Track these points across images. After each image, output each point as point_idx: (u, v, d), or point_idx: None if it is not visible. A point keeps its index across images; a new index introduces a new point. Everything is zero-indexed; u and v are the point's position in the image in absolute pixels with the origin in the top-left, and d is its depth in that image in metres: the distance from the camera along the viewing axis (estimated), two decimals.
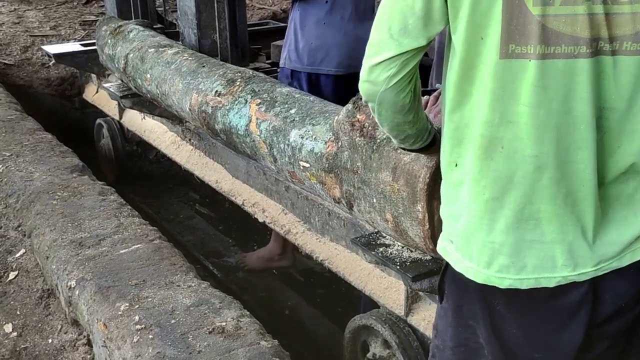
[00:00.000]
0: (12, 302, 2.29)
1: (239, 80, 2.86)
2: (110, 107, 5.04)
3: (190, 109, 3.05)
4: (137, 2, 4.36)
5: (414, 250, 2.11)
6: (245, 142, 2.69)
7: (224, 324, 1.89)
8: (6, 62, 5.35)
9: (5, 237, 2.59)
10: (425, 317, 2.57)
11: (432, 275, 2.05)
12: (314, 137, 2.33)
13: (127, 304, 1.98)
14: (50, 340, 2.12)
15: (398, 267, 2.05)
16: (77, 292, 2.10)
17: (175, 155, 4.26)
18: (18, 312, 2.25)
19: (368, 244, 2.18)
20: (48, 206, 2.56)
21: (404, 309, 2.61)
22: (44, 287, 2.32)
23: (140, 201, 4.44)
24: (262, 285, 3.56)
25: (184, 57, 3.26)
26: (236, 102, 2.76)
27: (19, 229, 2.59)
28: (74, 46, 4.93)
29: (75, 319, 2.13)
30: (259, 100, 2.68)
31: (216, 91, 2.88)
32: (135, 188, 4.71)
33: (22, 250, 2.48)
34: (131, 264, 2.18)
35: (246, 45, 3.95)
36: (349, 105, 2.17)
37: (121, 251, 2.24)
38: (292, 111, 2.51)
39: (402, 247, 2.14)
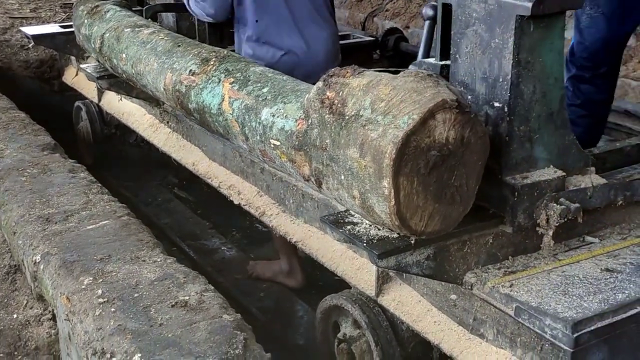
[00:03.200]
0: None
1: (214, 59, 2.84)
2: (89, 90, 5.02)
3: (164, 89, 3.03)
4: None
5: (381, 228, 2.10)
6: (218, 121, 2.68)
7: (187, 298, 1.89)
8: None
9: None
10: (396, 298, 2.57)
11: (399, 252, 2.05)
12: (284, 115, 2.32)
13: (91, 278, 1.97)
14: (15, 316, 2.11)
15: (364, 244, 2.04)
16: (42, 267, 2.09)
17: (153, 138, 4.25)
18: None
19: (336, 222, 2.17)
20: (17, 183, 2.54)
21: (374, 290, 2.62)
22: (11, 263, 2.30)
23: (118, 184, 4.42)
24: (236, 268, 3.56)
25: (160, 37, 3.24)
26: (210, 81, 2.74)
27: None
28: (52, 28, 4.90)
29: (40, 294, 2.12)
30: (232, 79, 2.66)
31: (190, 70, 2.87)
32: (113, 171, 4.69)
33: None
34: (97, 239, 2.17)
35: (224, 29, 3.93)
36: (320, 83, 2.16)
37: (88, 227, 2.23)
38: (265, 90, 2.50)
39: (370, 226, 2.13)
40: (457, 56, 2.23)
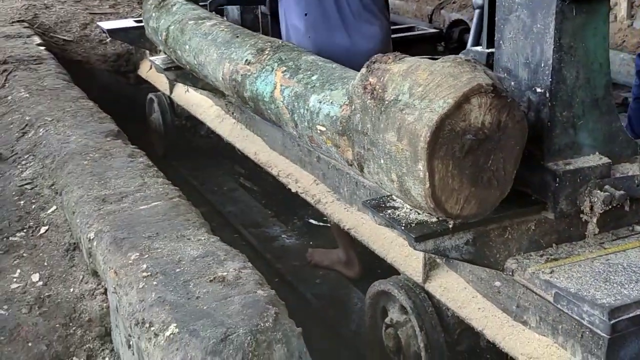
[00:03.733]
0: (40, 254, 2.41)
1: (268, 49, 2.92)
2: (161, 83, 5.18)
3: (222, 78, 3.12)
4: None
5: (421, 212, 2.13)
6: (270, 109, 2.75)
7: (225, 273, 1.96)
8: (65, 38, 5.54)
9: (40, 194, 2.72)
10: (442, 284, 2.59)
11: (436, 236, 2.07)
12: (330, 101, 2.37)
13: (138, 254, 2.07)
14: (72, 290, 2.24)
15: (402, 227, 2.07)
16: (95, 244, 2.21)
17: (219, 129, 4.36)
18: (45, 264, 2.37)
19: (377, 206, 2.21)
20: (79, 166, 2.68)
21: (421, 276, 2.64)
22: (71, 241, 2.43)
23: (186, 173, 4.56)
24: (295, 255, 3.62)
25: (220, 29, 3.33)
26: (263, 70, 2.82)
27: (52, 187, 2.72)
28: (127, 22, 5.08)
29: (94, 270, 2.24)
30: (284, 68, 2.73)
31: (246, 60, 2.95)
32: (183, 161, 4.83)
33: (54, 207, 2.61)
34: (148, 219, 2.27)
35: None
36: (363, 69, 2.20)
37: (140, 207, 2.34)
38: (314, 77, 2.55)
39: (410, 210, 2.16)
40: (501, 42, 2.24)
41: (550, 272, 2.12)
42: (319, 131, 2.41)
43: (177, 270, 2.03)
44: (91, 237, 2.23)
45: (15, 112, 3.38)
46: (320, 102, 2.42)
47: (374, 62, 2.18)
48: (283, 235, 3.85)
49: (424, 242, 2.07)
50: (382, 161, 2.06)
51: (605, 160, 2.19)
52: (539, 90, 2.13)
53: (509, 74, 2.22)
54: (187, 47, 3.48)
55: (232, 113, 4.26)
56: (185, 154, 4.94)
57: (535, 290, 2.13)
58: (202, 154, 4.99)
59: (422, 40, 4.53)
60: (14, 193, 2.72)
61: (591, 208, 2.17)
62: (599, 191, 2.15)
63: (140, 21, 4.96)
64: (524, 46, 2.15)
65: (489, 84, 1.89)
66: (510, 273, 2.20)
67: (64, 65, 4.94)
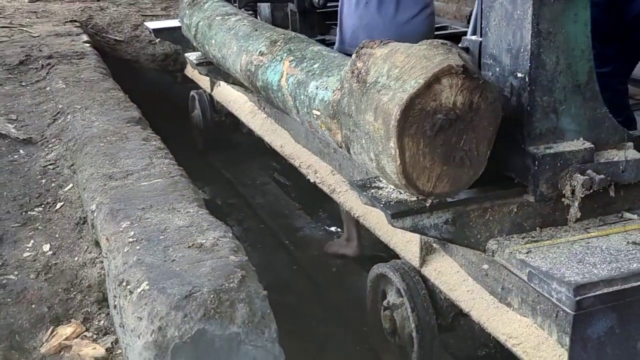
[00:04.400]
0: (53, 227, 2.59)
1: (281, 41, 3.03)
2: (204, 81, 5.36)
3: (240, 69, 3.25)
4: None
5: (402, 192, 2.21)
6: (278, 97, 2.86)
7: (204, 241, 2.08)
8: (117, 38, 5.79)
9: (60, 174, 2.90)
10: (437, 268, 2.65)
11: (413, 214, 2.14)
12: (325, 87, 2.47)
13: (129, 223, 2.22)
14: (76, 258, 2.40)
15: (382, 205, 2.15)
16: (95, 214, 2.36)
17: (252, 123, 4.50)
18: (57, 235, 2.54)
19: (363, 185, 2.30)
20: (95, 147, 2.85)
21: (418, 260, 2.71)
22: (81, 215, 2.59)
23: (221, 167, 4.71)
24: (316, 245, 3.72)
25: (243, 23, 3.46)
26: (274, 60, 2.93)
27: (71, 167, 2.89)
28: (172, 22, 5.26)
29: (96, 240, 2.39)
30: (291, 58, 2.84)
31: (260, 51, 3.07)
32: (221, 155, 4.99)
33: (70, 185, 2.78)
34: (146, 193, 2.42)
35: (315, 19, 4.11)
36: (353, 55, 2.29)
37: (142, 183, 2.49)
38: (315, 66, 2.65)
39: (393, 190, 2.24)
40: (487, 30, 2.30)
41: (527, 252, 2.17)
42: (314, 115, 2.51)
43: (161, 237, 2.15)
44: (93, 209, 2.39)
45: (50, 101, 3.59)
46: (317, 88, 2.52)
47: (362, 48, 2.27)
48: (306, 227, 3.95)
49: (401, 219, 2.14)
50: (363, 141, 2.15)
51: (588, 145, 2.22)
52: (519, 75, 2.18)
53: (494, 60, 2.28)
54: (213, 41, 3.62)
55: (264, 108, 4.39)
56: (224, 149, 5.09)
57: (512, 270, 2.18)
58: (239, 150, 5.13)
59: (454, 39, 4.56)
60: (37, 172, 2.91)
61: (572, 192, 2.20)
62: (579, 175, 2.18)
63: None
64: (506, 33, 2.21)
65: (459, 65, 1.95)
66: (491, 254, 2.25)
67: (114, 63, 5.17)
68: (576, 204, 2.22)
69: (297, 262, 3.59)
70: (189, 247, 2.07)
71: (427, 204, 2.14)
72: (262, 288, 1.97)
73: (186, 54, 4.37)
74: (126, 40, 5.74)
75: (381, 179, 2.32)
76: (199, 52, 4.33)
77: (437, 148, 2.00)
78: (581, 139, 2.25)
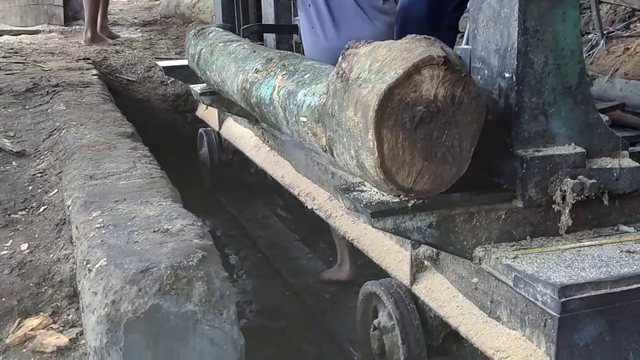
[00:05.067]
0: (34, 228, 2.57)
1: (276, 58, 3.01)
2: (213, 120, 5.38)
3: (237, 89, 3.23)
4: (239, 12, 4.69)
5: (385, 194, 2.13)
6: (270, 111, 2.82)
7: (171, 227, 2.04)
8: (129, 78, 5.84)
9: (47, 181, 2.91)
10: (427, 285, 2.56)
11: (394, 214, 2.06)
12: (313, 93, 2.43)
13: (100, 212, 2.20)
14: (51, 255, 2.36)
15: (362, 205, 2.07)
16: (70, 208, 2.34)
17: (256, 157, 4.48)
18: (36, 236, 2.53)
19: (347, 189, 2.22)
20: (83, 154, 2.84)
21: (409, 278, 2.61)
22: (62, 217, 2.57)
23: (226, 202, 4.69)
24: (311, 273, 3.66)
25: (243, 47, 3.46)
26: (267, 76, 2.91)
27: (58, 174, 2.88)
28: (182, 61, 5.32)
29: (71, 236, 2.36)
30: (284, 72, 2.81)
31: (255, 69, 3.05)
32: (227, 192, 4.97)
33: (55, 190, 2.77)
34: (122, 190, 2.41)
35: None
36: (340, 57, 2.25)
37: (120, 182, 2.46)
38: (306, 76, 2.62)
39: (376, 192, 2.16)
40: (476, 32, 2.25)
41: (514, 258, 2.07)
42: (302, 122, 2.46)
43: (129, 223, 2.13)
44: (69, 204, 2.37)
45: (49, 120, 3.61)
46: (305, 95, 2.48)
47: (348, 49, 2.23)
48: (303, 257, 3.90)
49: (382, 220, 2.06)
50: (344, 140, 2.09)
51: (580, 149, 2.14)
52: (507, 75, 2.12)
53: (483, 63, 2.23)
54: (214, 66, 3.62)
55: (267, 141, 4.36)
56: (230, 187, 5.08)
57: (498, 277, 2.08)
58: (246, 188, 5.12)
59: None
60: (26, 180, 2.93)
61: (563, 198, 2.12)
62: (569, 179, 2.09)
63: None
64: (494, 33, 2.16)
65: (440, 55, 1.90)
66: (478, 261, 2.15)
67: (125, 102, 5.20)
68: (567, 210, 2.12)
69: (291, 288, 3.55)
70: (154, 231, 2.05)
71: (410, 205, 2.05)
72: (224, 270, 1.92)
73: (191, 86, 4.37)
74: (138, 81, 5.80)
75: (365, 184, 2.25)
76: (203, 84, 4.35)
77: (418, 142, 1.93)
78: (572, 144, 2.17)
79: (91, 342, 1.71)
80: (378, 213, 2.04)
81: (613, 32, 4.73)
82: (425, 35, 2.04)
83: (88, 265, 1.83)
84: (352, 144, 2.03)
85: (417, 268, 2.58)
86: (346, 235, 3.17)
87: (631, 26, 5.76)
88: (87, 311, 1.76)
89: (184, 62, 5.34)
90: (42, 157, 3.10)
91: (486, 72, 2.21)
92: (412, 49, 1.95)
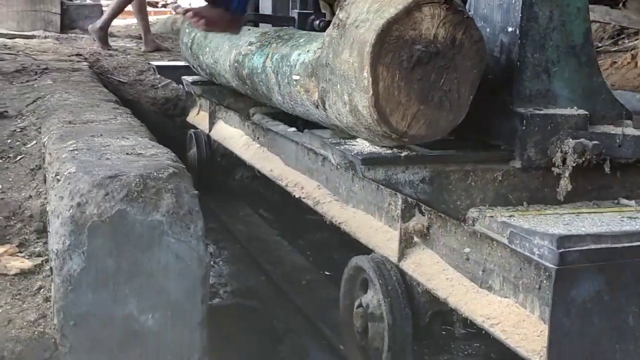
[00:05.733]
0: (9, 174, 2.51)
1: (271, 31, 2.95)
2: (204, 124, 5.30)
3: (229, 65, 3.15)
4: None
5: (378, 147, 2.04)
6: (262, 80, 2.74)
7: (144, 152, 1.98)
8: (121, 79, 5.76)
9: (27, 135, 2.85)
10: (416, 261, 2.44)
11: (386, 164, 1.96)
12: (307, 50, 2.35)
13: (75, 141, 2.15)
14: (23, 194, 2.29)
15: (352, 154, 1.97)
16: (46, 144, 2.27)
17: (244, 154, 4.39)
18: (10, 179, 2.45)
19: (337, 143, 2.12)
20: (66, 110, 2.76)
21: (397, 254, 2.50)
22: (38, 164, 2.50)
23: (209, 200, 4.62)
24: (289, 263, 3.63)
25: None
26: (261, 46, 2.84)
27: (38, 129, 2.82)
28: (176, 63, 5.26)
29: (45, 175, 2.28)
30: (279, 41, 2.74)
31: (249, 42, 2.98)
32: (212, 194, 4.87)
33: (34, 142, 2.69)
34: (100, 129, 2.37)
35: None
36: (337, 9, 2.17)
37: (99, 126, 2.39)
38: (301, 40, 2.55)
39: (369, 146, 2.07)
40: None
41: (510, 216, 1.96)
42: (294, 82, 2.38)
43: (103, 148, 2.07)
44: (44, 141, 2.30)
45: (35, 91, 3.55)
46: (299, 55, 2.40)
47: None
48: (282, 249, 3.85)
49: (373, 170, 1.96)
50: (338, 87, 2.00)
51: (582, 112, 2.06)
52: (510, 29, 2.05)
53: (485, 20, 2.15)
54: (207, 49, 3.55)
55: (258, 138, 4.28)
56: (216, 190, 4.98)
57: (492, 235, 1.97)
58: (231, 191, 5.04)
59: None
60: (5, 135, 2.86)
61: (563, 160, 2.02)
62: (571, 139, 2.00)
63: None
64: None
65: None
66: (472, 222, 2.04)
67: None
68: (567, 174, 2.03)
69: (267, 274, 3.50)
70: (127, 154, 2.00)
71: (402, 155, 1.96)
72: (194, 190, 1.88)
73: (182, 77, 4.30)
74: (130, 83, 5.72)
75: (356, 140, 2.15)
76: (195, 76, 4.28)
77: (414, 83, 1.84)
78: (575, 108, 2.08)
79: (53, 245, 1.63)
80: (369, 160, 1.94)
81: (601, 47, 4.75)
82: None
83: (57, 176, 1.75)
84: (346, 88, 1.94)
85: (406, 244, 2.46)
86: (334, 219, 3.06)
87: (619, 42, 5.88)
88: (52, 217, 1.70)
89: (177, 63, 5.30)
90: (23, 118, 3.02)
91: (488, 29, 2.13)
92: None
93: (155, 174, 1.77)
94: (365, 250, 2.70)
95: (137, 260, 1.74)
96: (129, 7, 6.91)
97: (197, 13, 2.96)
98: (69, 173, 1.71)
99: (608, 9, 6.70)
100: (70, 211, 1.64)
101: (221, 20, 3.01)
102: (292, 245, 3.91)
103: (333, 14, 3.66)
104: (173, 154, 2.13)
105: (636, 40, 6.19)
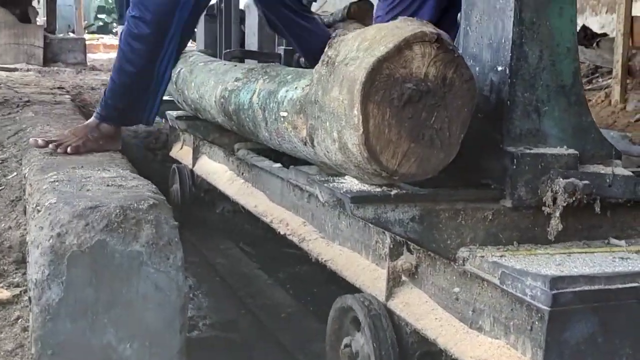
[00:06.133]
0: None
1: (258, 67, 2.93)
2: (187, 159, 5.27)
3: (215, 102, 3.13)
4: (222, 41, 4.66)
5: (367, 185, 2.01)
6: (248, 116, 2.72)
7: (125, 184, 2.03)
8: None
9: (7, 167, 2.87)
10: (404, 300, 2.41)
11: (375, 201, 1.93)
12: (295, 87, 2.33)
13: (56, 173, 2.17)
14: (2, 225, 2.29)
15: (342, 192, 1.94)
16: (26, 175, 2.29)
17: (228, 190, 4.35)
18: None
19: (325, 181, 2.10)
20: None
21: (384, 293, 2.47)
22: (18, 195, 2.49)
23: (190, 234, 4.61)
24: (269, 295, 3.64)
25: (224, 64, 3.39)
26: (248, 82, 2.82)
27: (19, 161, 2.81)
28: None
29: (25, 206, 2.27)
30: (266, 77, 2.72)
31: (236, 78, 2.96)
32: (193, 229, 4.85)
33: (15, 174, 2.68)
34: (81, 161, 2.40)
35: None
36: (326, 47, 2.16)
37: (80, 158, 2.43)
38: (289, 77, 2.53)
39: (358, 184, 2.04)
40: (468, 29, 2.18)
41: (501, 256, 1.94)
42: (281, 118, 2.36)
43: (83, 180, 2.10)
44: (25, 172, 2.30)
45: (16, 124, 3.55)
46: (287, 92, 2.38)
47: (335, 37, 2.15)
48: (263, 283, 3.86)
49: (362, 208, 1.94)
50: (327, 124, 1.98)
51: (572, 151, 2.05)
52: (499, 68, 2.04)
53: (474, 60, 2.15)
54: (193, 84, 3.54)
55: (242, 174, 4.25)
56: (198, 224, 4.95)
57: (482, 276, 1.94)
58: (213, 225, 5.02)
59: None
60: None
61: (554, 200, 2.00)
62: (561, 179, 1.99)
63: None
64: (487, 27, 2.09)
65: (433, 32, 1.82)
66: (462, 262, 2.02)
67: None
68: (557, 213, 2.01)
69: (247, 307, 3.50)
70: (107, 185, 2.03)
71: (392, 194, 1.93)
72: (174, 221, 1.91)
73: (166, 112, 4.27)
74: None
75: (345, 178, 2.13)
76: (180, 111, 4.26)
77: (405, 121, 1.83)
78: (565, 147, 2.07)
79: (32, 275, 1.67)
80: (358, 198, 1.91)
81: None
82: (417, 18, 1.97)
83: (38, 207, 1.76)
84: (335, 126, 1.92)
85: (394, 283, 2.43)
86: (320, 257, 3.02)
87: (593, 81, 6.01)
88: (32, 247, 1.72)
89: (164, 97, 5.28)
90: (4, 150, 3.01)
91: (477, 68, 2.13)
92: (404, 27, 1.87)
93: (135, 205, 1.80)
94: (347, 284, 2.68)
95: (116, 290, 1.77)
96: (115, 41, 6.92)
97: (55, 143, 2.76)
98: (49, 204, 1.74)
99: (583, 48, 6.88)
100: (50, 241, 1.67)
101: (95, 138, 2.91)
102: (273, 279, 3.93)
103: None
104: (154, 186, 2.15)
105: (609, 79, 6.38)
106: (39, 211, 1.78)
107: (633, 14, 6.45)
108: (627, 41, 6.39)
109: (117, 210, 1.73)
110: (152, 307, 1.83)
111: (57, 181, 2.00)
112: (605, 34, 6.57)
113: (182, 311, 1.91)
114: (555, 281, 1.69)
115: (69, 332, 1.75)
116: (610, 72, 6.34)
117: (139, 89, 2.95)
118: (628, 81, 6.48)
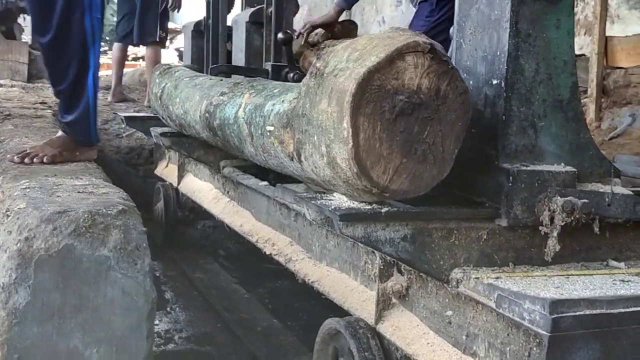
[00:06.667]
0: None
1: (244, 82, 2.85)
2: (172, 177, 5.18)
3: (200, 117, 3.04)
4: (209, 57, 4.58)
5: (357, 203, 1.92)
6: (233, 131, 2.62)
7: (95, 191, 2.03)
8: None
9: None
10: (394, 324, 2.31)
11: (365, 219, 1.84)
12: (282, 100, 2.24)
13: (28, 180, 2.16)
14: None
15: (330, 210, 1.85)
16: (0, 183, 2.22)
17: (214, 209, 4.26)
18: None
19: (312, 198, 2.00)
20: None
21: (374, 316, 2.37)
22: None
23: (170, 249, 4.57)
24: (246, 310, 3.58)
25: (210, 79, 3.30)
26: (234, 97, 2.73)
27: None
28: (145, 114, 5.16)
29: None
30: (252, 91, 2.63)
31: (221, 92, 2.87)
32: (175, 246, 4.79)
33: None
34: (54, 170, 2.40)
35: None
36: (315, 59, 2.08)
37: (55, 167, 2.40)
38: (275, 90, 2.44)
39: (346, 201, 1.95)
40: (462, 41, 2.10)
41: (497, 278, 1.85)
42: (268, 133, 2.27)
43: (55, 187, 2.09)
44: None
45: None
46: (273, 105, 2.29)
47: (323, 48, 2.07)
48: (240, 297, 3.82)
49: (352, 226, 1.84)
50: (315, 138, 1.89)
51: (570, 169, 1.96)
52: (494, 82, 1.96)
53: (468, 73, 2.07)
54: (178, 99, 3.45)
55: (227, 192, 4.16)
56: (181, 242, 4.87)
57: (477, 299, 1.85)
58: (194, 242, 4.95)
59: None
60: None
61: (551, 219, 1.92)
62: (559, 197, 1.90)
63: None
64: (482, 39, 2.02)
65: (426, 42, 1.74)
66: (455, 284, 1.92)
67: None
68: (555, 233, 1.92)
69: (223, 321, 3.44)
70: (78, 192, 2.03)
71: (383, 212, 1.84)
72: (143, 227, 1.91)
73: (151, 128, 4.18)
74: None
75: (333, 195, 2.03)
76: (165, 128, 4.17)
77: (397, 135, 1.74)
78: (562, 164, 1.99)
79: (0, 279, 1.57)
80: (348, 216, 1.81)
81: None
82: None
83: (7, 213, 1.73)
84: (324, 140, 1.83)
85: (384, 305, 2.33)
86: (306, 278, 2.93)
87: None
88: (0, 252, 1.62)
89: (146, 114, 5.20)
90: None
91: (471, 82, 2.05)
92: (396, 37, 1.79)
93: (104, 210, 1.80)
94: (329, 301, 2.60)
95: (83, 294, 1.77)
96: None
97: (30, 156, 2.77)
98: (18, 209, 1.76)
99: None
100: (18, 245, 1.67)
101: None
102: (251, 293, 3.88)
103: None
104: (125, 194, 2.14)
105: (585, 98, 6.39)
106: (8, 216, 1.78)
107: (607, 34, 6.50)
108: (601, 60, 6.45)
109: (86, 215, 1.73)
110: (119, 312, 1.84)
111: (28, 188, 2.01)
112: (583, 55, 6.59)
113: (150, 317, 1.91)
114: (555, 305, 1.60)
115: (36, 336, 1.77)
116: (585, 91, 6.38)
117: None
118: (603, 100, 6.55)
